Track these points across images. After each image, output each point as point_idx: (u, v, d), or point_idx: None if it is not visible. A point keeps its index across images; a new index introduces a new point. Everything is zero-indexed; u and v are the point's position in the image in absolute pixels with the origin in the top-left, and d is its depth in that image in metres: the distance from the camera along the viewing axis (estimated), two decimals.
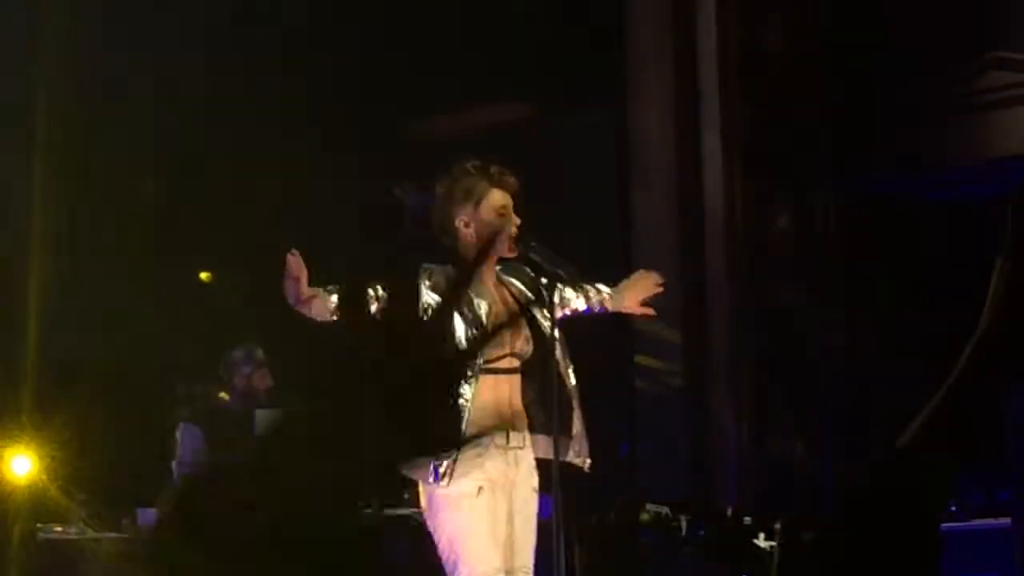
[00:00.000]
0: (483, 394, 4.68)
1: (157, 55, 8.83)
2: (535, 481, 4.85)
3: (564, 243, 5.09)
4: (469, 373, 4.64)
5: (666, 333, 8.62)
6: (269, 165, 9.13)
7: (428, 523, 4.75)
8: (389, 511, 6.68)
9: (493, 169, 4.82)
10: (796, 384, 8.41)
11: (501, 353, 4.72)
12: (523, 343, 4.80)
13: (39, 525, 7.57)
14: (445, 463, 4.59)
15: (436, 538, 4.71)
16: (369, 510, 7.03)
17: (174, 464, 8.02)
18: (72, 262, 8.74)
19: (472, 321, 4.68)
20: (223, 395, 8.25)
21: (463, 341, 4.65)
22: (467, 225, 4.85)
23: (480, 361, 4.64)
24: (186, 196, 9.30)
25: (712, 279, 8.55)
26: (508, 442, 4.73)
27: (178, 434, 8.06)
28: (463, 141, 9.59)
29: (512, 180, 4.84)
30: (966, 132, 8.45)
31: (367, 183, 9.07)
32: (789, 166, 8.59)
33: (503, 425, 4.70)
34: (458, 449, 4.59)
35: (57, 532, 7.58)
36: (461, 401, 4.63)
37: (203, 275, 7.94)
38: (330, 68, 9.44)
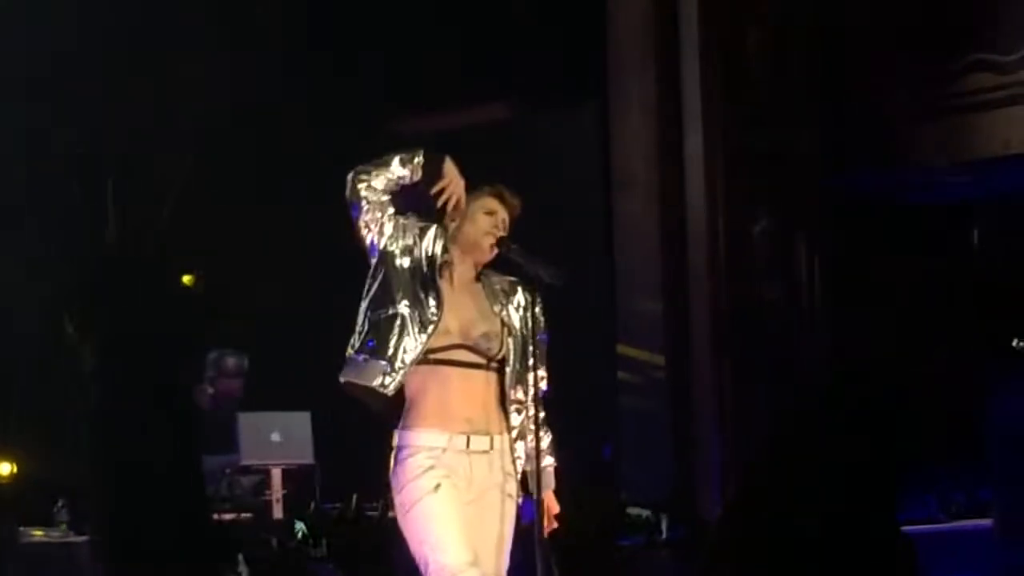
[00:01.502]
0: (430, 383, 4.67)
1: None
2: (511, 487, 4.79)
3: (546, 244, 5.09)
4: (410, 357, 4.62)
5: (649, 334, 8.63)
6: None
7: (401, 528, 4.74)
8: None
9: (499, 186, 4.93)
10: (778, 383, 8.41)
11: (449, 343, 4.70)
12: (484, 339, 4.77)
13: (21, 528, 7.55)
14: (394, 375, 4.60)
15: (408, 542, 4.70)
16: (375, 512, 7.00)
17: None
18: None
19: (422, 303, 4.71)
20: (210, 390, 8.29)
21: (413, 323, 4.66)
22: (459, 228, 4.93)
23: (421, 347, 4.63)
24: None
25: (694, 279, 8.55)
26: (468, 446, 4.70)
27: None
28: (447, 141, 9.58)
29: (515, 202, 4.91)
30: (948, 134, 8.47)
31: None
32: (771, 167, 8.60)
33: (463, 427, 4.67)
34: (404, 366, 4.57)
35: (38, 536, 7.55)
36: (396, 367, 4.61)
37: (185, 278, 7.93)
38: (315, 67, 9.45)
